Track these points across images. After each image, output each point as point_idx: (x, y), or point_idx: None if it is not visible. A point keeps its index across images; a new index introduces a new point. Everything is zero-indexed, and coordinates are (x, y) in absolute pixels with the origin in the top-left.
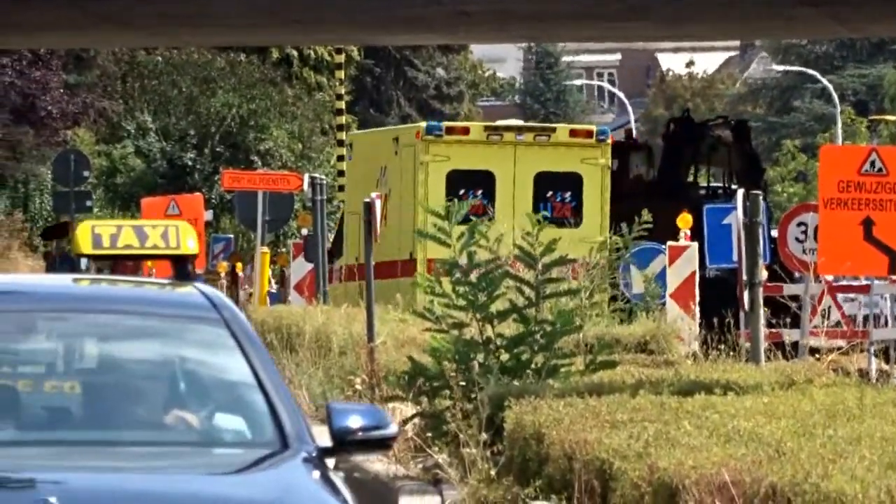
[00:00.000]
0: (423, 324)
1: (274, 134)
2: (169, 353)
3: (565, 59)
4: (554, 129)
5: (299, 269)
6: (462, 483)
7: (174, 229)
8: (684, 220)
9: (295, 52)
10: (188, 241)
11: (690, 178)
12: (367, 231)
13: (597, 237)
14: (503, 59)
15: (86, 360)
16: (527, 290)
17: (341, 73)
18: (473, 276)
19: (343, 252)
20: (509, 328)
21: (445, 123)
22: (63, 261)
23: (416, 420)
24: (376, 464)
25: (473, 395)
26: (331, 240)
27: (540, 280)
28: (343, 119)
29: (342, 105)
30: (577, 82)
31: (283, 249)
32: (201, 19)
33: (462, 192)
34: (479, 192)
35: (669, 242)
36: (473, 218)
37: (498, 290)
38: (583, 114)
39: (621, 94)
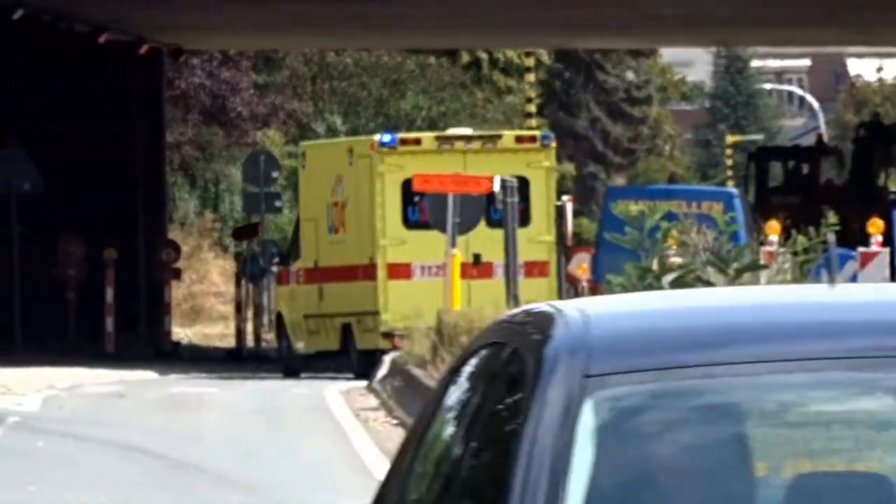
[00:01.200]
0: None
1: None
2: None
3: (755, 63)
4: (500, 136)
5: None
6: None
7: None
8: (875, 226)
9: (485, 56)
10: None
11: (881, 183)
12: (558, 233)
13: (544, 236)
14: (692, 63)
15: None
16: None
17: (531, 77)
18: (665, 281)
19: (300, 255)
20: None
21: (399, 135)
22: (253, 260)
23: None
24: None
25: None
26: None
27: (732, 285)
28: (533, 122)
29: (532, 108)
30: (767, 86)
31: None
32: (391, 21)
33: (417, 199)
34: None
35: (860, 248)
36: (426, 223)
37: None
38: (773, 118)
39: (812, 99)
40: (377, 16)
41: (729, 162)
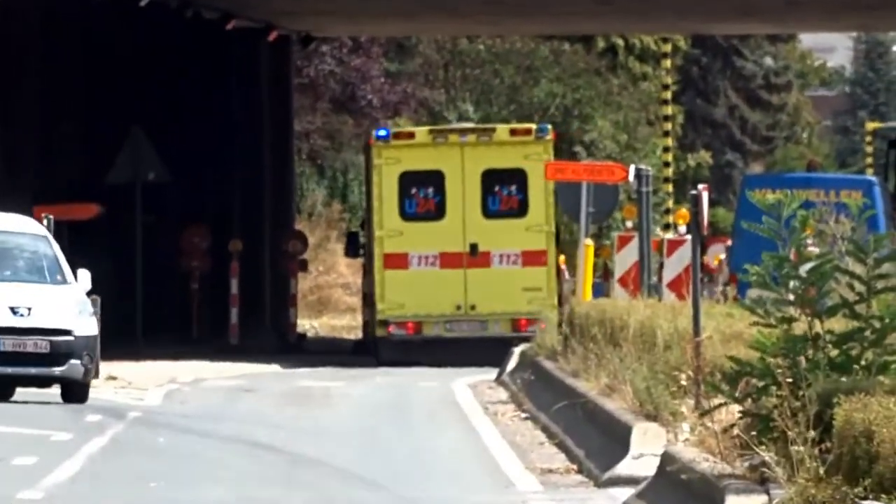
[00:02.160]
0: (748, 318)
1: (598, 124)
2: None
3: None
4: (494, 130)
5: (623, 261)
6: (789, 482)
7: None
8: None
9: (621, 42)
10: None
11: None
12: (695, 223)
13: (543, 226)
14: (833, 49)
15: None
16: (857, 285)
17: (667, 63)
18: (803, 271)
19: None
20: (838, 323)
21: (393, 129)
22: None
23: (742, 420)
24: (703, 463)
25: (801, 393)
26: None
27: (871, 275)
28: (669, 109)
29: (668, 95)
30: None
31: (607, 242)
32: (526, 7)
33: (414, 190)
34: (430, 189)
35: None
36: (423, 214)
37: (828, 285)
38: None
39: None
40: (511, 1)
41: (868, 149)
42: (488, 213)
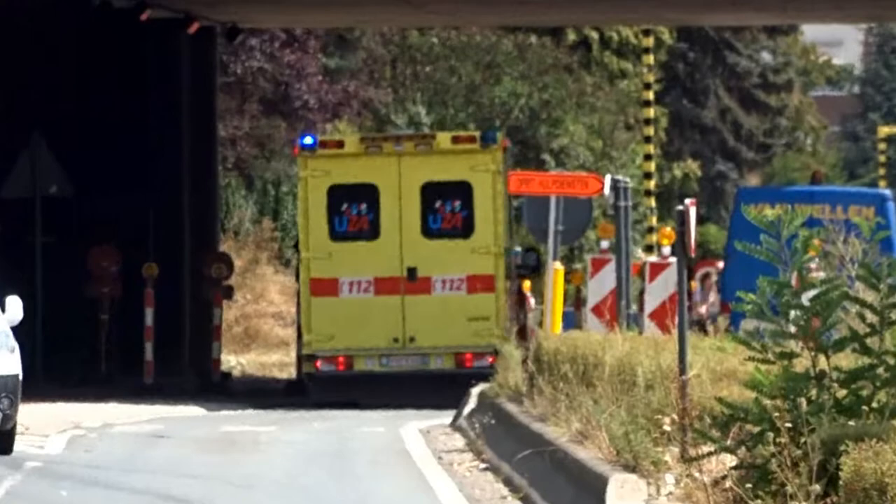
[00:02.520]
0: (742, 353)
1: (570, 129)
2: None
3: None
4: (434, 137)
5: (598, 288)
6: None
7: None
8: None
9: (595, 35)
10: None
11: None
12: (681, 243)
13: (490, 247)
14: (840, 43)
15: None
16: (869, 316)
17: (650, 59)
18: (806, 299)
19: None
20: (847, 360)
21: (320, 137)
22: None
23: (735, 471)
24: None
25: (803, 439)
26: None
27: (885, 304)
28: (651, 112)
29: (650, 96)
30: None
31: (580, 265)
32: None
33: (345, 207)
34: (363, 206)
35: None
36: (355, 234)
37: (834, 315)
38: None
39: None
40: None
41: (881, 158)
42: (429, 232)
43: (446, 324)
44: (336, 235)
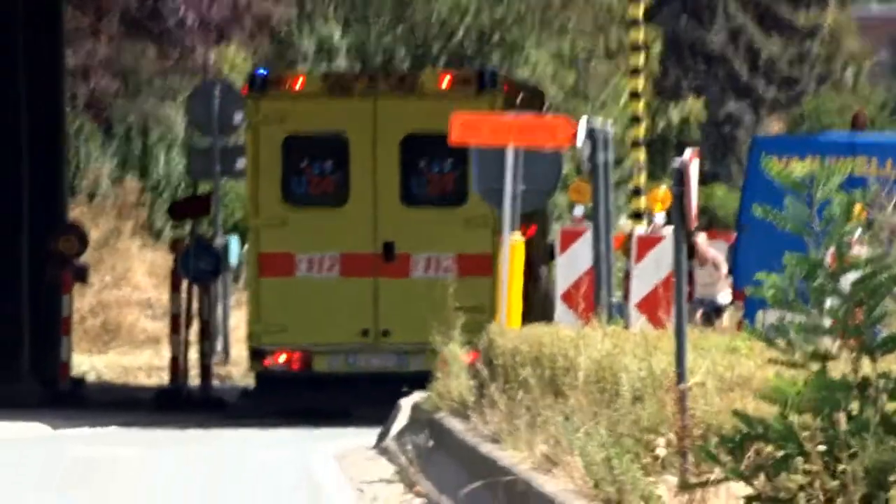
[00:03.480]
0: (761, 354)
1: (531, 57)
2: None
3: None
4: (417, 77)
5: (570, 268)
6: None
7: None
8: None
9: None
10: None
11: None
12: (679, 209)
13: (488, 218)
14: None
15: None
16: None
17: None
18: (846, 283)
19: None
20: None
21: (274, 73)
22: (200, 251)
23: None
24: None
25: (841, 467)
26: None
27: None
28: (640, 34)
29: (638, 12)
30: None
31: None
32: None
33: (304, 163)
34: (328, 163)
35: None
36: (318, 198)
37: (882, 306)
38: None
39: None
40: None
41: None
42: (410, 198)
43: (429, 315)
44: (293, 199)
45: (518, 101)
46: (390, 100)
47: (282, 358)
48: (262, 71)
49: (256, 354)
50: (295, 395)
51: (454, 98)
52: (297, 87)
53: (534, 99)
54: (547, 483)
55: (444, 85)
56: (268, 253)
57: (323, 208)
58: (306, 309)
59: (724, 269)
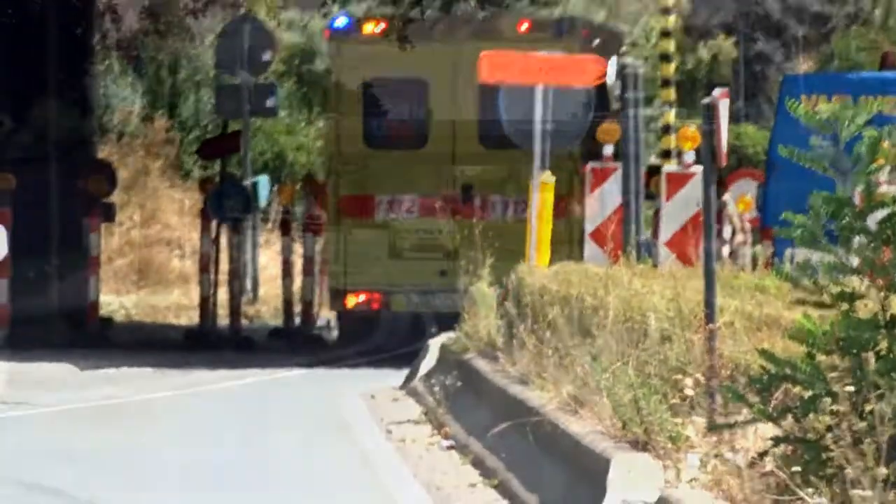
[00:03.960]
0: (789, 293)
1: None
2: None
3: None
4: (496, 22)
5: (599, 206)
6: None
7: None
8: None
9: None
10: None
11: None
12: (708, 147)
13: (566, 161)
14: None
15: None
16: None
17: None
18: (874, 222)
19: None
20: None
21: (358, 17)
22: (230, 190)
23: (779, 448)
24: None
25: (868, 408)
26: None
27: None
28: None
29: None
30: None
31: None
32: None
33: (384, 107)
34: (408, 107)
35: None
36: (397, 141)
37: None
38: None
39: None
40: None
41: None
42: (488, 141)
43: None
44: (373, 142)
45: (594, 45)
46: (471, 45)
47: (362, 297)
48: (342, 18)
49: (337, 294)
50: (373, 334)
51: (532, 43)
52: (378, 31)
53: (611, 42)
54: (574, 424)
55: (523, 30)
56: (348, 195)
57: (402, 151)
58: (385, 250)
59: (749, 238)
